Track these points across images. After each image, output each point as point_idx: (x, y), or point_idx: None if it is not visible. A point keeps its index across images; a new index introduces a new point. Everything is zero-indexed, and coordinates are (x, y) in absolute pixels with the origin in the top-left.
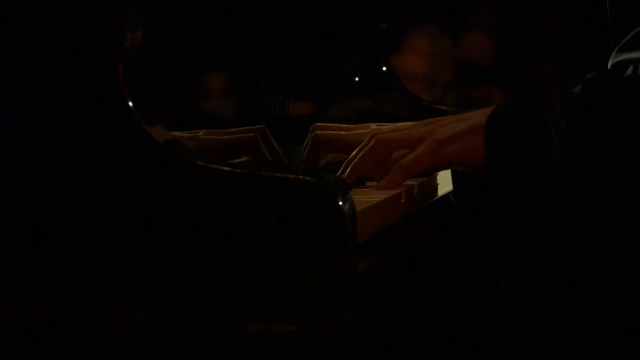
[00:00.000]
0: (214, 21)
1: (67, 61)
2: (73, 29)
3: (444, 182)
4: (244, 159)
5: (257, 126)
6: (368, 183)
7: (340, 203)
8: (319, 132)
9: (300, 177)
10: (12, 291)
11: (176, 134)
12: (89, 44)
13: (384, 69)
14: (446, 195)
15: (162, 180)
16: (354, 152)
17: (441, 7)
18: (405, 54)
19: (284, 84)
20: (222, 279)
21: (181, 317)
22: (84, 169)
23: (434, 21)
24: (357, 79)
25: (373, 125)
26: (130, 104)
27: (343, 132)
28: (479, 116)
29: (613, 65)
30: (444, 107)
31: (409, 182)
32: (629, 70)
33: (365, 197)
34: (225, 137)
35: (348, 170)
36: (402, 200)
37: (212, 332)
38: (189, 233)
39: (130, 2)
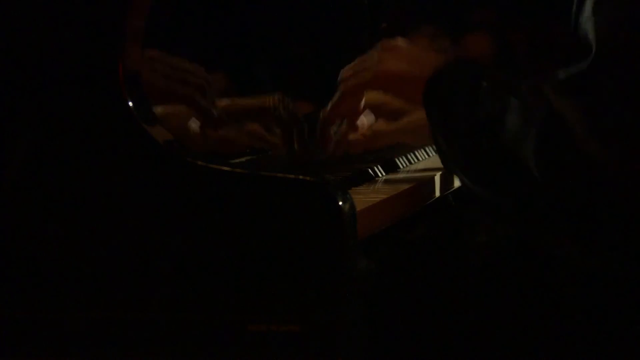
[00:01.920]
0: (215, 21)
1: (68, 61)
2: (73, 29)
3: (445, 181)
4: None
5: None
6: (368, 182)
7: (340, 203)
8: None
9: (301, 177)
10: (12, 291)
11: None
12: (89, 44)
13: None
14: (446, 196)
15: (162, 180)
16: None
17: (441, 7)
18: None
19: (284, 84)
20: (222, 279)
21: (182, 317)
22: (84, 168)
23: (434, 21)
24: None
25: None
26: (130, 104)
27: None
28: (425, 68)
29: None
30: None
31: (410, 182)
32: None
33: (365, 197)
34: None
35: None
36: (402, 200)
37: (213, 332)
38: (189, 233)
39: (131, 2)
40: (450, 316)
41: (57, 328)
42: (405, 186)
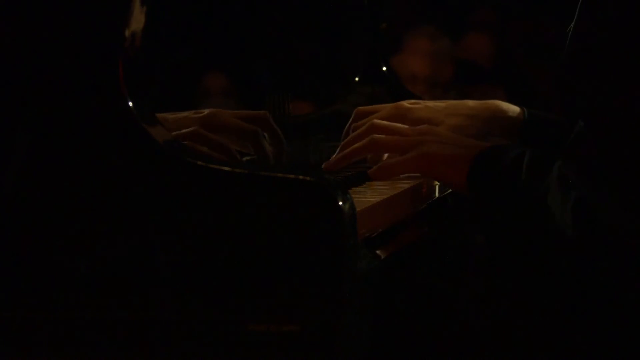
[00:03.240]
0: (214, 21)
1: (68, 61)
2: (73, 29)
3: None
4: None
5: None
6: (368, 182)
7: (340, 203)
8: (361, 107)
9: (300, 177)
10: (12, 291)
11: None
12: (89, 44)
13: (384, 69)
14: (445, 196)
15: (162, 180)
16: (348, 137)
17: (441, 7)
18: (405, 54)
19: (284, 84)
20: (222, 279)
21: (182, 317)
22: (84, 168)
23: (434, 21)
24: (357, 79)
25: (406, 104)
26: (130, 104)
27: (404, 140)
28: (470, 150)
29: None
30: None
31: (409, 182)
32: None
33: (365, 197)
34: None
35: (339, 156)
36: (402, 200)
37: (213, 332)
38: (189, 233)
39: (131, 2)
40: (450, 316)
41: (57, 328)
42: (405, 186)
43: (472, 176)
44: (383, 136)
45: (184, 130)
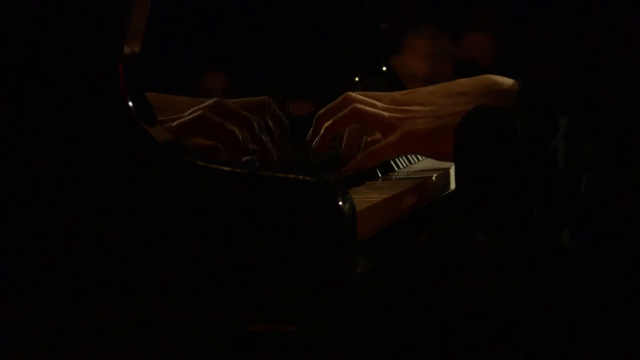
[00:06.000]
0: (214, 21)
1: (68, 61)
2: (73, 29)
3: (444, 182)
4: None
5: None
6: (368, 182)
7: (340, 203)
8: (359, 106)
9: (300, 177)
10: (12, 291)
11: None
12: (89, 44)
13: (384, 69)
14: (446, 195)
15: (162, 180)
16: (323, 110)
17: (441, 7)
18: (405, 54)
19: (284, 84)
20: (222, 279)
21: (182, 317)
22: (84, 168)
23: (434, 21)
24: (357, 79)
25: (399, 95)
26: (130, 104)
27: (385, 115)
28: (451, 117)
29: None
30: None
31: (409, 182)
32: None
33: (365, 197)
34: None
35: (322, 131)
36: (402, 200)
37: (213, 332)
38: (189, 233)
39: (131, 3)
40: (450, 316)
41: (57, 328)
42: (405, 186)
43: (457, 145)
44: (365, 107)
45: (190, 116)
